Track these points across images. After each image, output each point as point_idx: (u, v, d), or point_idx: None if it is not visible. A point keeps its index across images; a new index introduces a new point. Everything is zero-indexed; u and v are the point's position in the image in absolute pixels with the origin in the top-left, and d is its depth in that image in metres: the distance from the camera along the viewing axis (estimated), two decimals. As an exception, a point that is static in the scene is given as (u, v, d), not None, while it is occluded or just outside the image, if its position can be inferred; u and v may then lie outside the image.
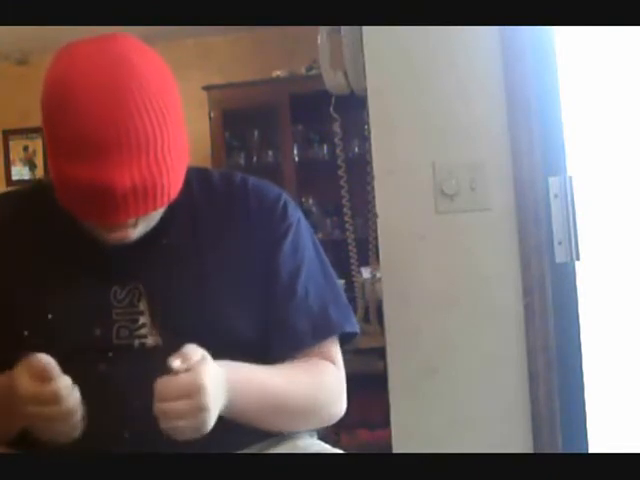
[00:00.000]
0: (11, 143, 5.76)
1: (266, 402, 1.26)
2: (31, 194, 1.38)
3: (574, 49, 1.95)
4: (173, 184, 1.19)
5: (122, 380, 1.23)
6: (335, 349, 1.38)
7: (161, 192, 1.17)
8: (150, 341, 1.24)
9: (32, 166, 5.73)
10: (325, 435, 1.45)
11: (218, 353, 1.20)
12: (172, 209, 1.26)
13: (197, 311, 1.26)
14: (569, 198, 1.89)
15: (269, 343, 1.31)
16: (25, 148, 5.72)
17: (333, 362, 1.36)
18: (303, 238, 1.36)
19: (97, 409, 1.21)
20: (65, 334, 1.22)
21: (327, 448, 1.35)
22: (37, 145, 5.66)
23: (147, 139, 1.13)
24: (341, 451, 1.33)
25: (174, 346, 1.20)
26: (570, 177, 1.90)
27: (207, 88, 5.02)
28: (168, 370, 1.14)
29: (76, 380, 1.19)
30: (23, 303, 1.26)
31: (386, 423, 1.98)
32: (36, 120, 4.93)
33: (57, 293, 1.25)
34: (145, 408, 1.18)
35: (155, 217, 1.25)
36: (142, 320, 1.25)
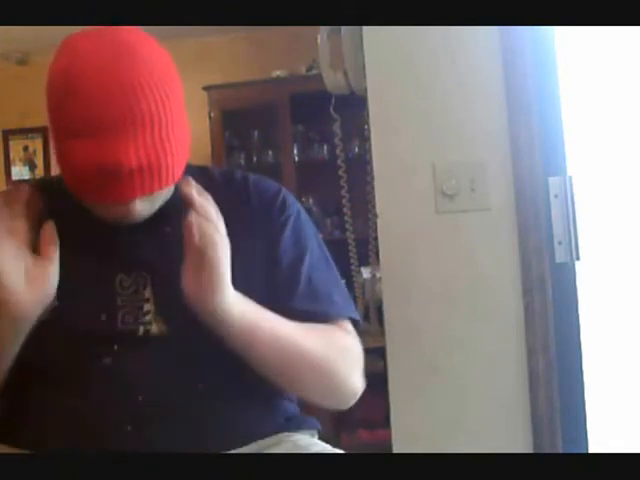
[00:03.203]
0: (11, 143, 5.75)
1: (280, 342, 1.25)
2: (37, 188, 1.39)
3: (574, 49, 1.95)
4: (177, 164, 1.23)
5: (126, 374, 1.24)
6: (347, 324, 1.38)
7: (165, 171, 1.21)
8: (154, 328, 1.26)
9: (32, 166, 5.72)
10: (325, 435, 1.45)
11: (221, 340, 1.23)
12: (174, 202, 1.29)
13: None
14: (569, 198, 1.89)
15: None
16: (25, 148, 5.72)
17: (347, 332, 1.37)
18: (304, 229, 1.39)
19: (101, 402, 1.24)
20: (72, 319, 1.25)
21: (327, 448, 1.35)
22: (37, 145, 5.66)
23: (151, 118, 1.18)
24: (341, 451, 1.32)
25: (178, 334, 1.24)
26: (570, 177, 1.90)
27: (207, 88, 5.02)
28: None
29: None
30: None
31: (386, 423, 1.98)
32: (36, 120, 4.91)
33: (64, 281, 1.26)
34: (149, 402, 1.22)
35: (158, 199, 1.28)
36: (147, 307, 1.27)
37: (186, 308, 1.22)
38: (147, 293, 1.28)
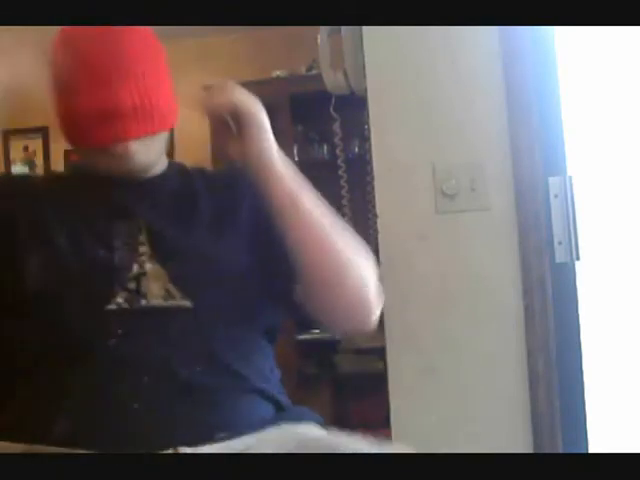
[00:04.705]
0: (11, 143, 5.75)
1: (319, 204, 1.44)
2: (48, 172, 1.71)
3: (574, 49, 1.95)
4: (166, 113, 1.46)
5: (130, 354, 1.31)
6: None
7: (157, 115, 1.43)
8: (149, 266, 1.39)
9: (32, 166, 5.72)
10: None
11: (214, 280, 1.38)
12: (170, 175, 1.51)
13: (190, 243, 1.42)
14: (569, 198, 1.89)
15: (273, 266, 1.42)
16: (25, 148, 5.71)
17: None
18: None
19: (107, 379, 1.30)
20: (71, 256, 1.39)
21: (336, 440, 1.36)
22: (37, 145, 5.66)
23: (141, 70, 1.41)
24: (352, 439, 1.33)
25: (172, 272, 1.38)
26: (570, 177, 1.90)
27: (207, 88, 5.01)
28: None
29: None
30: (36, 233, 1.42)
31: (386, 423, 1.99)
32: (36, 120, 4.88)
33: (66, 226, 1.42)
34: (152, 381, 1.29)
35: (152, 150, 1.45)
36: (142, 249, 1.41)
37: (178, 250, 1.40)
38: (142, 238, 1.42)
